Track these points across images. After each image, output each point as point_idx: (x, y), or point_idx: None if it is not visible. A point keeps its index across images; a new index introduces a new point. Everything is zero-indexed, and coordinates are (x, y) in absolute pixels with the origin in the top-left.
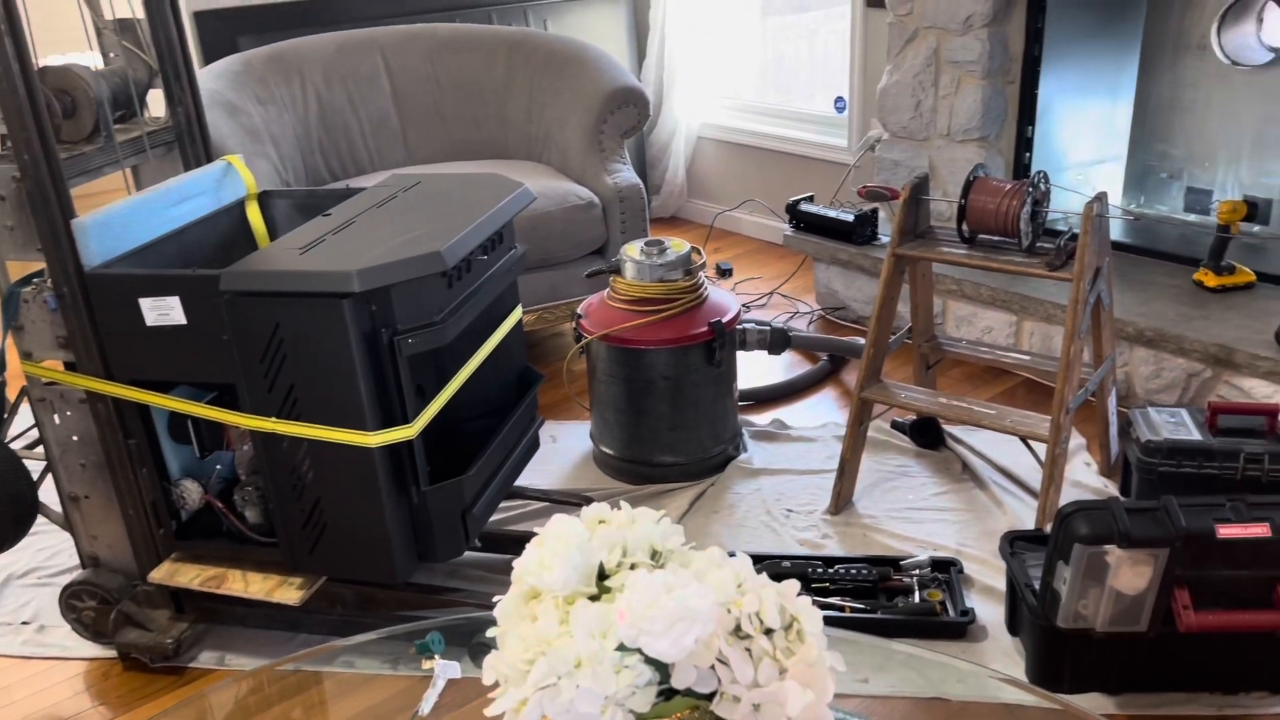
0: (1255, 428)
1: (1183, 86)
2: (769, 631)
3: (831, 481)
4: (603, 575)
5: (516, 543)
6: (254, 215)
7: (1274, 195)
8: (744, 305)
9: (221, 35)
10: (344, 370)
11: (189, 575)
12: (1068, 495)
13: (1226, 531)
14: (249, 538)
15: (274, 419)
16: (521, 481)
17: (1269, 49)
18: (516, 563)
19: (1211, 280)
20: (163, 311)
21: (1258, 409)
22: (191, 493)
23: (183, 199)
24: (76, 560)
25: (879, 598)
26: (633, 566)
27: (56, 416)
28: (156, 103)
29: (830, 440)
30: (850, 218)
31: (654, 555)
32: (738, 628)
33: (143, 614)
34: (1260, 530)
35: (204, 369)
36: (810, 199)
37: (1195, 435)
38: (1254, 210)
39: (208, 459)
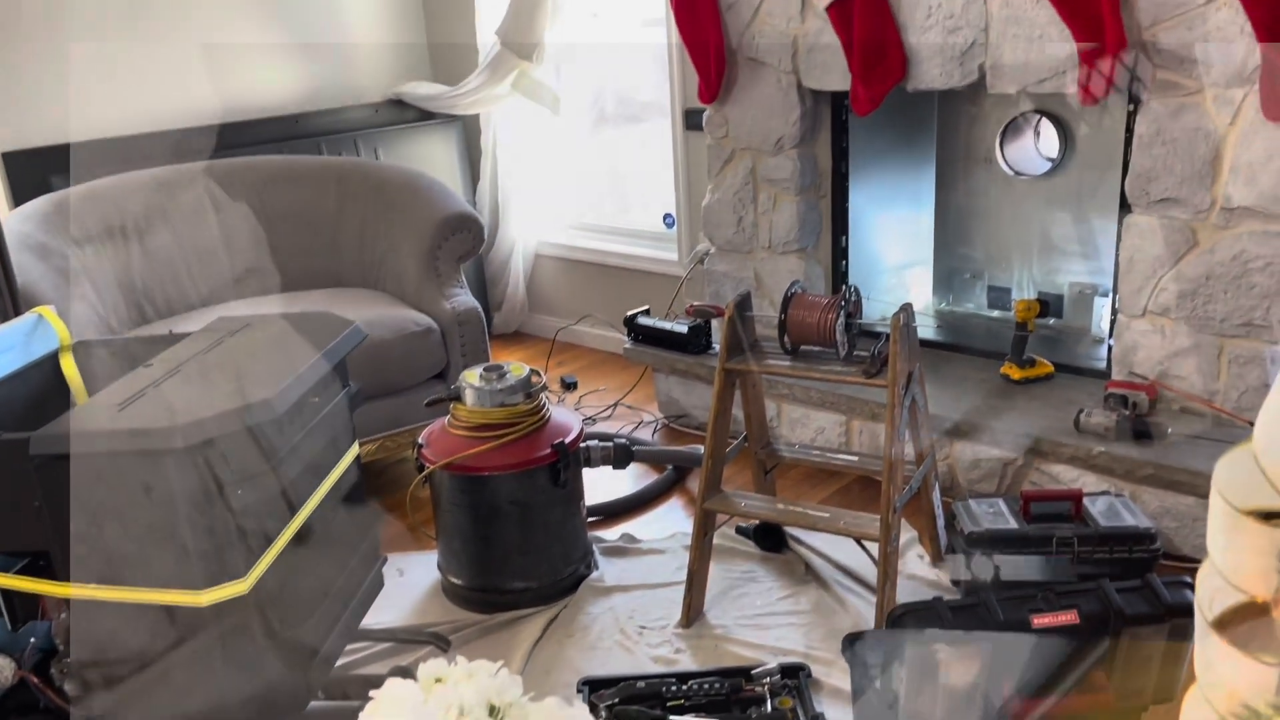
0: (1063, 512)
1: (975, 195)
2: None
3: (681, 593)
4: None
5: (363, 688)
6: (69, 368)
7: (1064, 291)
8: (589, 418)
9: (33, 176)
10: (170, 529)
11: None
12: (903, 589)
13: (1040, 621)
14: (69, 713)
15: (94, 585)
16: (369, 618)
17: (1046, 159)
18: None
19: (1016, 374)
20: None
21: (1064, 495)
22: (3, 670)
23: None
24: None
25: (733, 710)
26: None
27: None
28: None
29: (679, 551)
30: (684, 329)
31: (492, 711)
32: None
33: None
34: (1069, 617)
35: (12, 537)
36: (647, 312)
37: (1012, 524)
38: (1046, 307)
39: (21, 631)
